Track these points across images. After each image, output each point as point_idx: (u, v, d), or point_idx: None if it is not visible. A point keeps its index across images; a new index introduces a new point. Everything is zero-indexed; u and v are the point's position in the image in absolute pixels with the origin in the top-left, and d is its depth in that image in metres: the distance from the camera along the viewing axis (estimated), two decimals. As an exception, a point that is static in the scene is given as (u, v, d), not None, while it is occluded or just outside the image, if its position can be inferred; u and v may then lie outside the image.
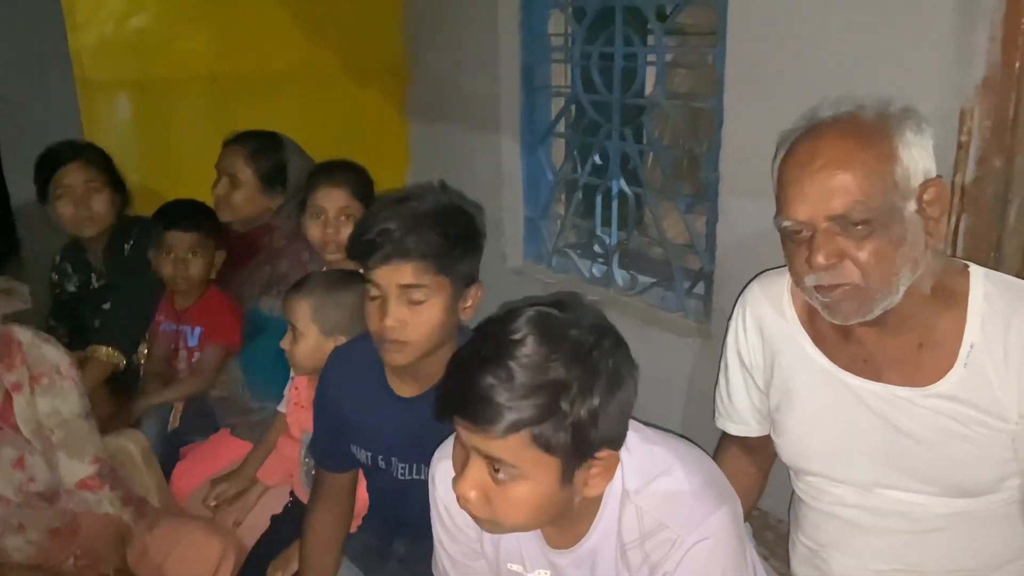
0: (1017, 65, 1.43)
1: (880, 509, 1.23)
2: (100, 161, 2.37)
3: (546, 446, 0.99)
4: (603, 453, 1.04)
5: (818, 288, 1.13)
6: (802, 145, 1.12)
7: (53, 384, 1.69)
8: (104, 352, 2.30)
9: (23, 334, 1.69)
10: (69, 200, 2.31)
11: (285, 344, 1.80)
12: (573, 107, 2.59)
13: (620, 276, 2.45)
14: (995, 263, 1.52)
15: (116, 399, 2.32)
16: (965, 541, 1.20)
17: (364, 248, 1.34)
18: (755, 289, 1.35)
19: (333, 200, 2.01)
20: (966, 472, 1.15)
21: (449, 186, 1.45)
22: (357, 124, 2.99)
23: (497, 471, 1.01)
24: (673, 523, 1.09)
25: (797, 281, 1.16)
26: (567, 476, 1.03)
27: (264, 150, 2.30)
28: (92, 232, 2.37)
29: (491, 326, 1.06)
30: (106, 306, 2.39)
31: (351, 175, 2.06)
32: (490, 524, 1.07)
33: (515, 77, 2.64)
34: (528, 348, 0.99)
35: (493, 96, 2.68)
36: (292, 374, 2.02)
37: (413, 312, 1.34)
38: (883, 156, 1.07)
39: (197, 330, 2.30)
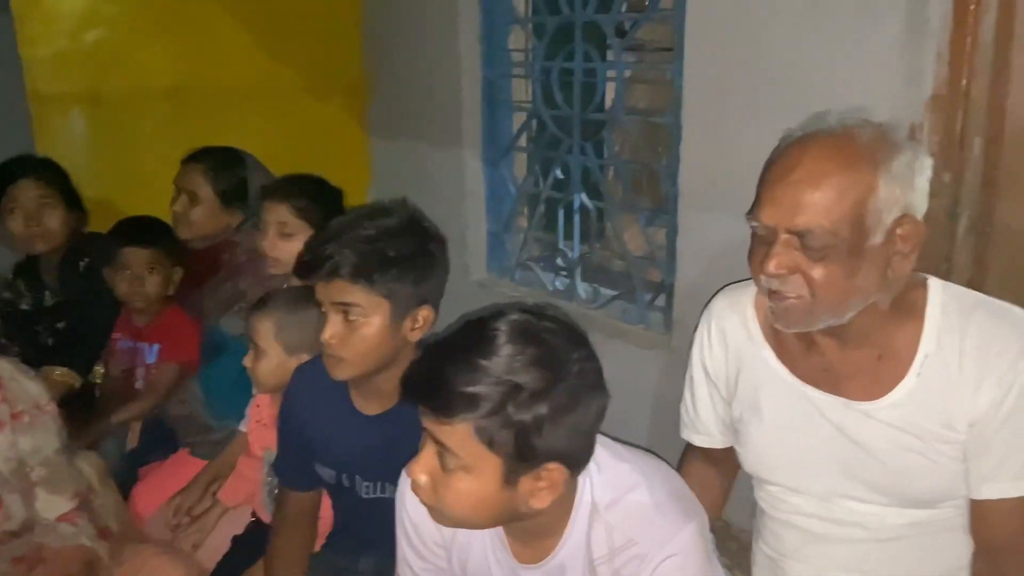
0: (964, 82, 1.48)
1: (838, 519, 1.25)
2: (54, 177, 2.32)
3: (489, 442, 1.01)
4: (552, 466, 1.05)
5: (770, 292, 1.15)
6: (790, 151, 1.12)
7: (34, 421, 1.65)
8: (59, 373, 2.25)
9: (2, 367, 1.64)
10: (20, 216, 2.27)
11: (247, 362, 1.78)
12: (534, 122, 2.61)
13: (583, 289, 2.46)
14: (946, 274, 1.56)
15: (72, 420, 2.26)
16: (921, 550, 1.22)
17: (302, 265, 1.38)
18: (720, 302, 1.36)
19: (272, 214, 1.99)
20: (919, 483, 1.18)
21: (411, 205, 1.45)
22: (318, 140, 2.98)
23: (445, 459, 1.04)
24: (642, 539, 1.10)
25: (755, 279, 1.18)
26: (510, 479, 1.04)
27: (224, 166, 2.27)
28: (44, 248, 2.32)
29: (473, 320, 1.09)
30: (60, 325, 2.34)
31: (294, 190, 2.02)
32: (437, 513, 1.10)
33: (476, 92, 2.65)
34: (497, 345, 1.02)
35: (455, 111, 2.68)
36: (254, 392, 2.00)
37: (350, 329, 1.36)
38: (860, 184, 1.06)
39: (155, 347, 2.27)
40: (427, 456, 1.06)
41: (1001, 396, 1.11)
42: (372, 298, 1.35)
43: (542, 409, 1.01)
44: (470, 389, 1.00)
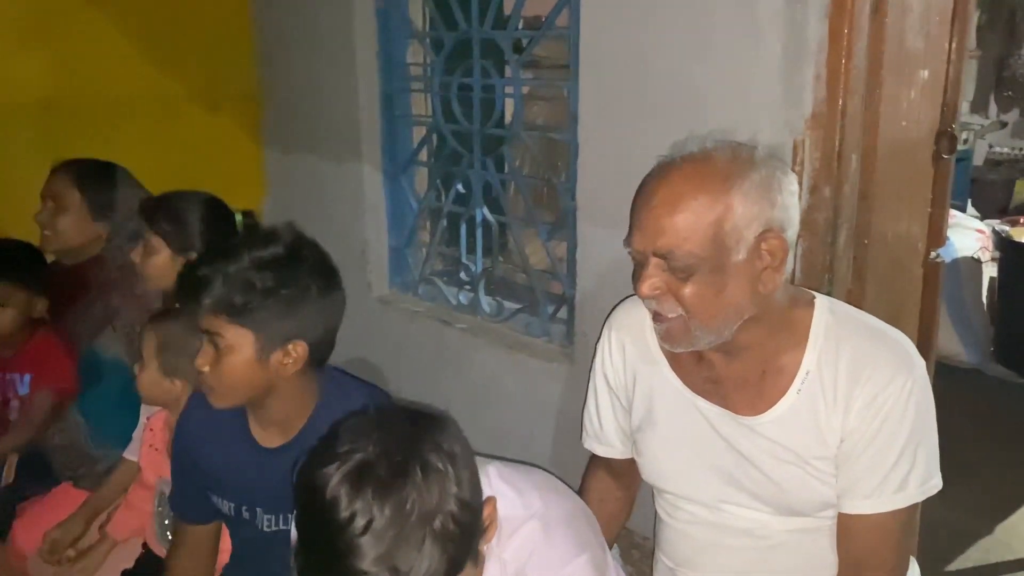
0: (841, 101, 1.56)
1: (727, 526, 1.29)
2: None
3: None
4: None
5: (653, 314, 1.20)
6: (650, 179, 1.17)
7: None
8: None
9: None
10: None
11: (136, 370, 1.75)
12: (435, 136, 2.60)
13: (486, 303, 2.46)
14: (828, 284, 1.64)
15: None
16: (804, 555, 1.27)
17: (176, 290, 1.37)
18: (619, 313, 1.40)
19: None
20: (798, 494, 1.22)
21: (297, 232, 1.41)
22: (208, 152, 2.87)
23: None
24: (533, 573, 1.10)
25: (641, 299, 1.21)
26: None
27: (92, 175, 2.17)
28: None
29: None
30: None
31: (154, 207, 1.96)
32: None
33: (374, 105, 2.62)
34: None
35: (353, 124, 2.64)
36: (144, 416, 1.91)
37: (217, 359, 1.34)
38: (715, 205, 1.10)
39: (27, 377, 2.13)
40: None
41: (867, 421, 1.16)
42: (236, 330, 1.32)
43: None
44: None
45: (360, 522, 0.93)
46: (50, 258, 2.26)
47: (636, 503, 1.56)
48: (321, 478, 0.96)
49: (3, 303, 2.11)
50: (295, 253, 1.37)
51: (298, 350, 1.36)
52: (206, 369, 1.34)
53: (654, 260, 1.14)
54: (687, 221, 1.10)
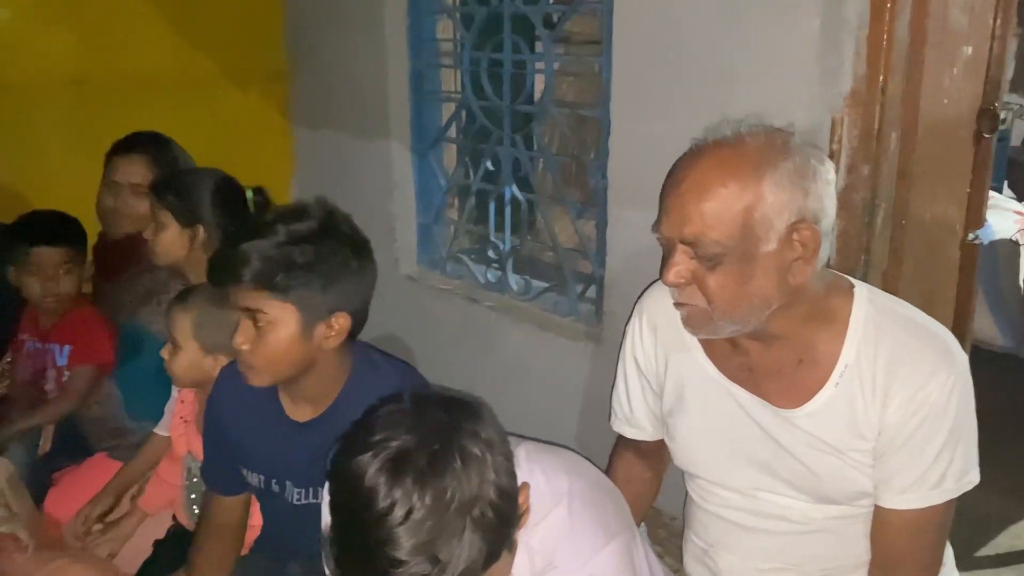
0: (881, 78, 1.52)
1: (762, 511, 1.28)
2: None
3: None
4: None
5: (675, 302, 1.17)
6: (680, 163, 1.14)
7: None
8: None
9: None
10: None
11: (165, 354, 1.73)
12: (464, 113, 2.58)
13: (514, 281, 2.46)
14: (864, 265, 1.61)
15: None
16: (841, 541, 1.25)
17: (210, 268, 1.35)
18: (651, 296, 1.37)
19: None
20: (834, 484, 1.21)
21: (330, 206, 1.41)
22: (238, 129, 2.89)
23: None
24: (561, 561, 1.09)
25: (666, 287, 1.19)
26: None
27: (163, 155, 2.20)
28: None
29: None
30: None
31: (163, 181, 1.99)
32: None
33: (404, 82, 2.61)
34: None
35: (382, 101, 2.64)
36: (176, 388, 1.94)
37: (259, 336, 1.32)
38: (745, 193, 1.06)
39: (66, 349, 2.16)
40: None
41: (907, 417, 1.13)
42: (278, 305, 1.31)
43: None
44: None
45: (399, 512, 0.92)
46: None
47: (664, 483, 1.55)
48: (358, 466, 0.95)
49: (67, 269, 2.14)
50: (330, 226, 1.36)
51: (340, 322, 1.36)
52: (246, 348, 1.33)
53: (681, 247, 1.11)
54: (715, 209, 1.07)
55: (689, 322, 1.17)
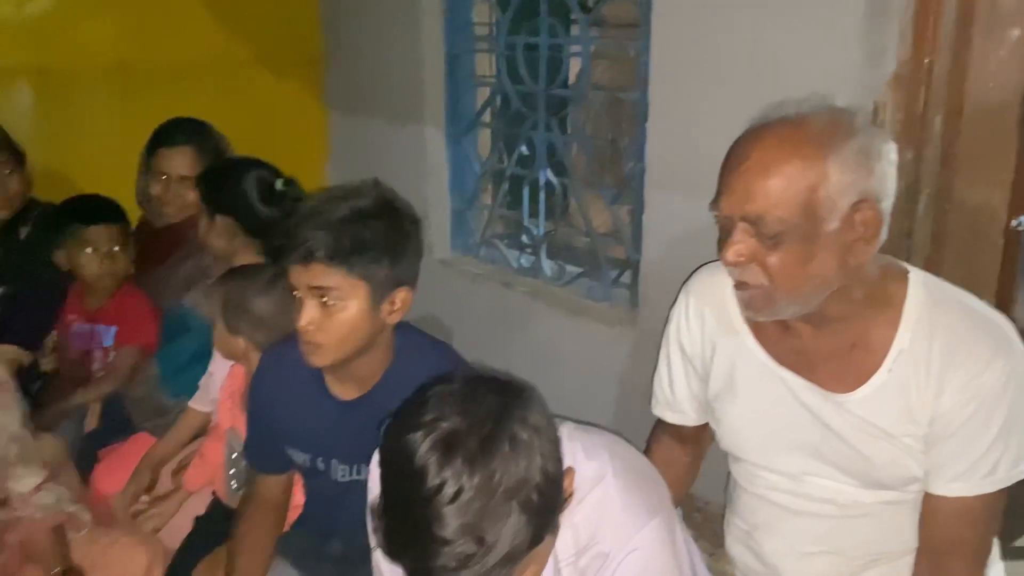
0: (926, 61, 1.50)
1: (810, 495, 1.27)
2: (7, 140, 2.25)
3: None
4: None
5: (735, 282, 1.16)
6: (743, 139, 1.13)
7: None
8: (7, 351, 2.19)
9: None
10: None
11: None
12: (498, 97, 2.58)
13: (548, 266, 2.46)
14: (907, 250, 1.60)
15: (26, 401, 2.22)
16: (888, 526, 1.25)
17: (275, 249, 1.35)
18: (699, 280, 1.37)
19: None
20: (884, 469, 1.20)
21: (383, 185, 1.41)
22: (274, 114, 2.92)
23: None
24: (604, 537, 1.10)
25: (725, 266, 1.19)
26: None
27: (207, 145, 2.24)
28: (6, 215, 2.25)
29: None
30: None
31: (202, 175, 2.04)
32: None
33: (439, 66, 2.62)
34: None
35: (417, 86, 2.65)
36: (211, 368, 1.98)
37: (327, 314, 1.32)
38: (810, 171, 1.06)
39: (112, 330, 2.21)
40: None
41: (961, 404, 1.12)
42: (350, 281, 1.31)
43: None
44: None
45: (448, 492, 0.93)
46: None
47: (700, 467, 1.55)
48: (409, 445, 0.96)
49: (121, 246, 2.20)
50: (387, 202, 1.38)
51: (402, 297, 1.38)
52: (312, 328, 1.33)
53: (741, 225, 1.10)
54: (779, 186, 1.06)
55: (752, 304, 1.16)
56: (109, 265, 2.18)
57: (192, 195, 2.13)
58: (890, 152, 1.11)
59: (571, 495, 1.07)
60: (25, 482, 1.71)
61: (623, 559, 1.09)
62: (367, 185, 1.39)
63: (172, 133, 2.26)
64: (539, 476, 0.98)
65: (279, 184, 1.99)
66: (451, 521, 0.93)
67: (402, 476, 0.97)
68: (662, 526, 1.13)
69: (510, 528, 0.95)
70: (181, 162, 2.22)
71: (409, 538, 0.96)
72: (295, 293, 1.34)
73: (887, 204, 1.11)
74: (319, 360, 1.36)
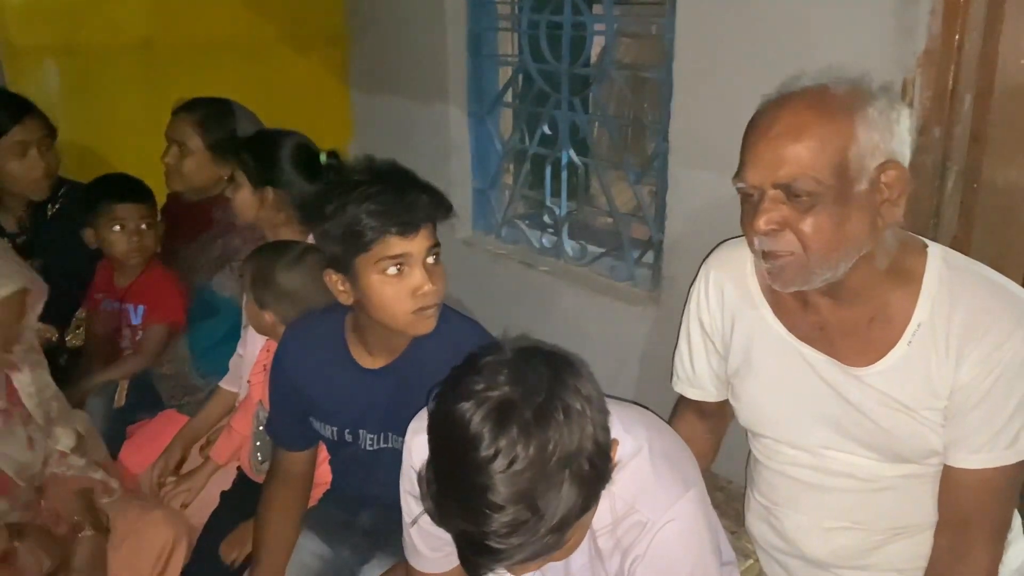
0: (957, 37, 1.48)
1: (831, 470, 1.28)
2: (42, 116, 2.28)
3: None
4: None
5: (764, 254, 1.16)
6: (766, 111, 1.13)
7: (40, 359, 1.76)
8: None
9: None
10: (27, 158, 2.23)
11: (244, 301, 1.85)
12: (520, 76, 2.57)
13: (570, 246, 2.46)
14: (934, 229, 1.58)
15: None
16: (909, 500, 1.25)
17: (405, 225, 1.32)
18: (718, 256, 1.37)
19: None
20: (904, 442, 1.20)
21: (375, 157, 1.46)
22: (298, 93, 2.92)
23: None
24: (643, 507, 1.11)
25: (748, 243, 1.19)
26: None
27: (214, 118, 2.24)
28: (40, 195, 2.29)
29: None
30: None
31: (240, 142, 2.05)
32: None
33: (462, 45, 2.61)
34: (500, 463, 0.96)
35: (440, 65, 2.64)
36: (240, 348, 2.00)
37: (440, 273, 1.38)
38: (839, 133, 1.07)
39: (140, 308, 2.24)
40: None
41: (981, 376, 1.13)
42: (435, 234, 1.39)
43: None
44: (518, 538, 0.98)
45: (503, 460, 0.95)
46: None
47: (721, 447, 1.56)
48: (463, 413, 0.98)
49: (149, 223, 2.23)
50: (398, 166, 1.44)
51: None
52: (440, 286, 1.37)
53: (771, 193, 1.11)
54: (812, 148, 1.07)
55: (783, 274, 1.15)
56: (137, 243, 2.21)
57: (192, 162, 2.18)
58: (906, 116, 1.12)
59: (616, 465, 1.08)
60: (62, 442, 1.77)
61: (661, 527, 1.10)
62: (374, 159, 1.42)
63: (186, 103, 2.29)
64: (590, 445, 1.00)
65: (323, 157, 2.00)
66: (505, 489, 0.95)
67: (455, 444, 0.98)
68: (697, 497, 1.15)
69: (562, 496, 0.96)
70: (181, 129, 2.24)
71: (462, 505, 0.98)
72: (395, 267, 1.33)
73: (907, 166, 1.12)
74: (435, 320, 1.39)
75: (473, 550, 0.99)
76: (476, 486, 0.95)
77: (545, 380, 1.01)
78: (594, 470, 1.00)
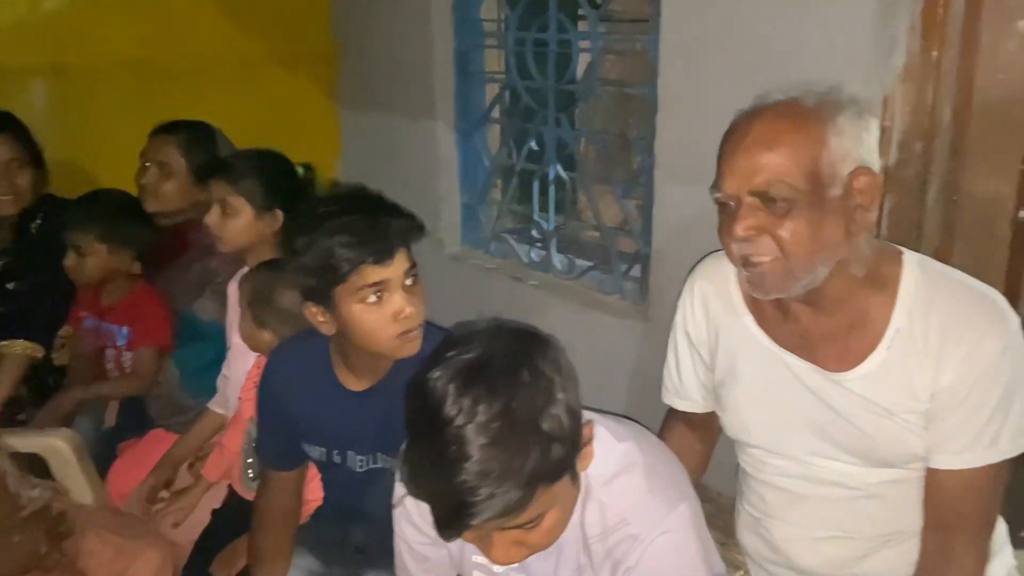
0: (935, 53, 1.51)
1: (818, 478, 1.29)
2: (23, 135, 2.27)
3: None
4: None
5: (744, 262, 1.18)
6: (739, 123, 1.17)
7: None
8: (21, 346, 2.21)
9: None
10: None
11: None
12: (507, 93, 2.60)
13: (558, 260, 2.48)
14: (916, 241, 1.61)
15: (38, 396, 2.24)
16: (896, 507, 1.27)
17: (380, 251, 1.33)
18: (703, 268, 1.40)
19: (215, 192, 1.93)
20: (888, 447, 1.22)
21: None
22: (286, 110, 2.94)
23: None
24: (634, 519, 1.12)
25: (727, 253, 1.21)
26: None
27: (198, 141, 2.24)
28: (13, 211, 2.28)
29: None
30: (10, 286, 2.29)
31: (236, 168, 1.96)
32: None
33: (449, 63, 2.63)
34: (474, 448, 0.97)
35: (427, 82, 2.66)
36: (225, 370, 2.00)
37: (419, 293, 1.39)
38: (811, 140, 1.11)
39: (125, 330, 2.22)
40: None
41: (962, 377, 1.15)
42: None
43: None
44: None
45: (469, 412, 0.96)
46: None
47: (711, 458, 1.57)
48: (433, 378, 1.00)
49: (124, 247, 2.16)
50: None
51: None
52: (419, 311, 1.39)
53: (748, 201, 1.13)
54: (785, 156, 1.11)
55: (764, 281, 1.18)
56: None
57: (173, 184, 2.18)
58: (874, 125, 1.16)
59: (589, 447, 1.09)
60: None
61: (653, 540, 1.11)
62: (346, 189, 1.46)
63: (165, 125, 2.28)
64: (560, 409, 1.01)
65: (300, 171, 2.00)
66: (473, 437, 0.96)
67: (426, 405, 1.00)
68: (689, 510, 1.16)
69: (531, 453, 0.97)
70: (161, 150, 2.24)
71: (433, 463, 0.99)
72: (374, 295, 1.34)
73: (878, 173, 1.15)
74: (420, 343, 1.41)
75: (447, 509, 0.99)
76: (446, 438, 0.97)
77: (513, 346, 1.03)
78: (563, 432, 1.01)
